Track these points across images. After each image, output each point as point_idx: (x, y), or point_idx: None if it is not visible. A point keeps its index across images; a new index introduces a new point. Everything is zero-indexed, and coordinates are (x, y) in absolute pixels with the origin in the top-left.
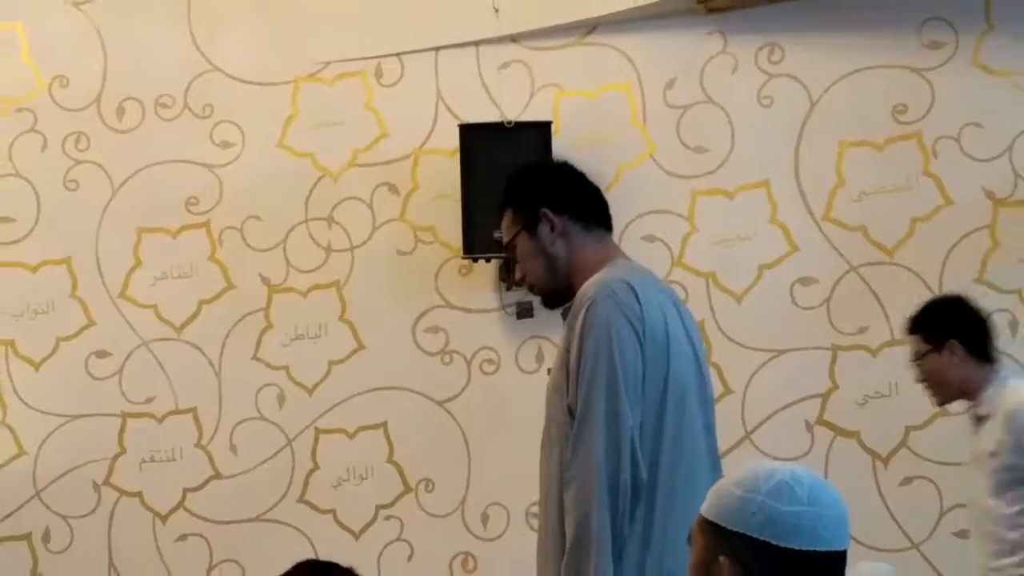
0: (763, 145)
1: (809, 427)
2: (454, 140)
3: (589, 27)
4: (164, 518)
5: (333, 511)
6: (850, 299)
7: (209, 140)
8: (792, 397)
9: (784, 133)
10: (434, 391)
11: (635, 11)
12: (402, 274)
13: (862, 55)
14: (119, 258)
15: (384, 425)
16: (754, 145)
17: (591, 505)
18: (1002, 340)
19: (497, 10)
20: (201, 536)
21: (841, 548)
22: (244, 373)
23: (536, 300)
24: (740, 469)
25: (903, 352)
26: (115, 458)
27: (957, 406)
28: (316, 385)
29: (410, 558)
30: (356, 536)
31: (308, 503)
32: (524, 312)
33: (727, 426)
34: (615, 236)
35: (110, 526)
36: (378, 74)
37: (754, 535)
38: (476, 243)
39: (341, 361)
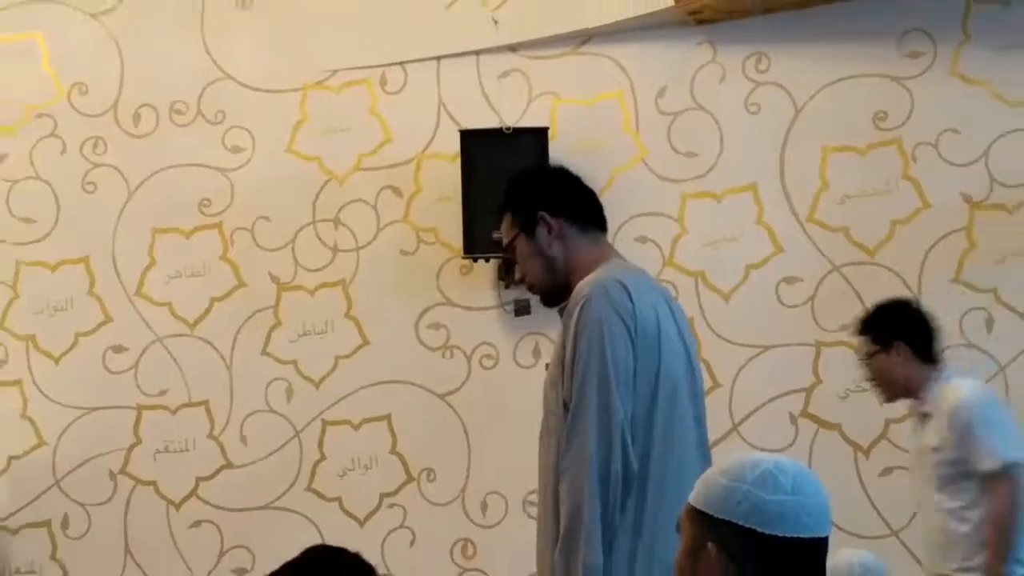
0: (750, 150)
1: (793, 420)
2: (455, 145)
3: (584, 37)
4: (178, 506)
5: (339, 499)
6: (833, 298)
7: (221, 145)
8: (777, 391)
9: (770, 139)
10: (435, 385)
11: (628, 22)
12: (405, 273)
13: (845, 64)
14: (135, 257)
15: (388, 417)
16: (741, 150)
17: (583, 495)
18: (978, 337)
19: (496, 21)
20: (213, 523)
21: (823, 535)
22: (254, 367)
23: (533, 298)
24: (727, 460)
25: None
26: (131, 448)
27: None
28: (323, 379)
29: (412, 544)
30: (361, 523)
31: (315, 491)
32: (522, 309)
33: (715, 419)
34: (609, 237)
35: (126, 513)
36: (383, 82)
37: (740, 523)
38: (476, 243)
39: (347, 356)
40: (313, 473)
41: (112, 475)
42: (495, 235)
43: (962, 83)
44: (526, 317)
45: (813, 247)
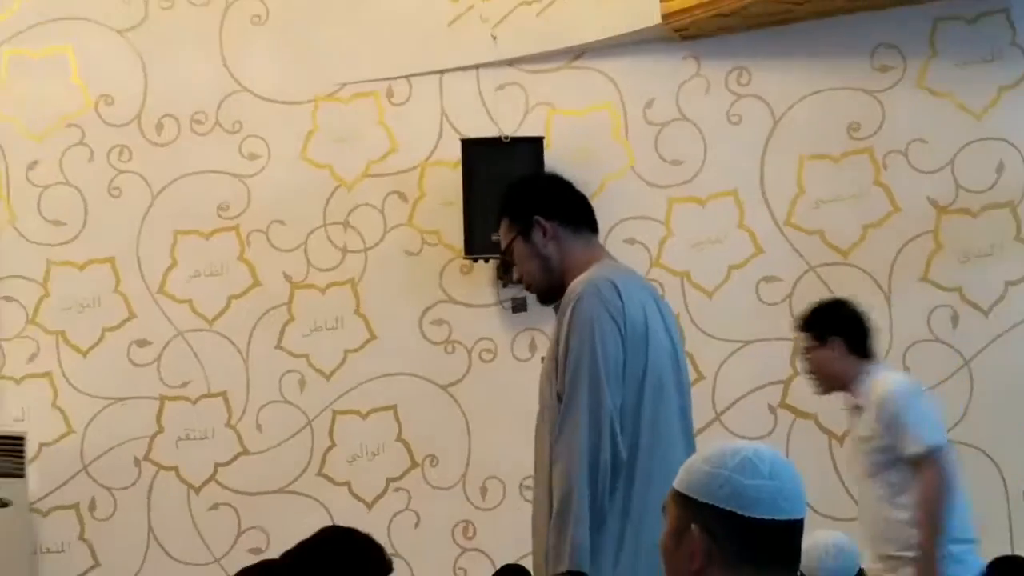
0: (732, 158)
1: (772, 410)
2: (456, 153)
3: (577, 53)
4: (198, 490)
5: (348, 484)
6: (809, 296)
7: (238, 153)
8: (757, 383)
9: (750, 147)
10: (438, 377)
11: (618, 39)
12: (410, 273)
13: (820, 78)
14: (158, 258)
15: (394, 407)
16: (724, 158)
17: (574, 481)
18: (944, 333)
19: (495, 38)
20: (230, 506)
21: (799, 517)
22: (269, 361)
23: (529, 296)
24: (709, 447)
25: None
26: (154, 436)
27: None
28: (333, 371)
29: (417, 525)
30: (369, 506)
31: (326, 477)
32: (519, 307)
33: (699, 409)
34: (600, 239)
35: (149, 497)
36: (389, 94)
37: (721, 506)
38: (476, 245)
39: (355, 350)
40: (324, 459)
41: (136, 461)
42: (494, 237)
43: (929, 95)
44: (523, 314)
45: (791, 248)
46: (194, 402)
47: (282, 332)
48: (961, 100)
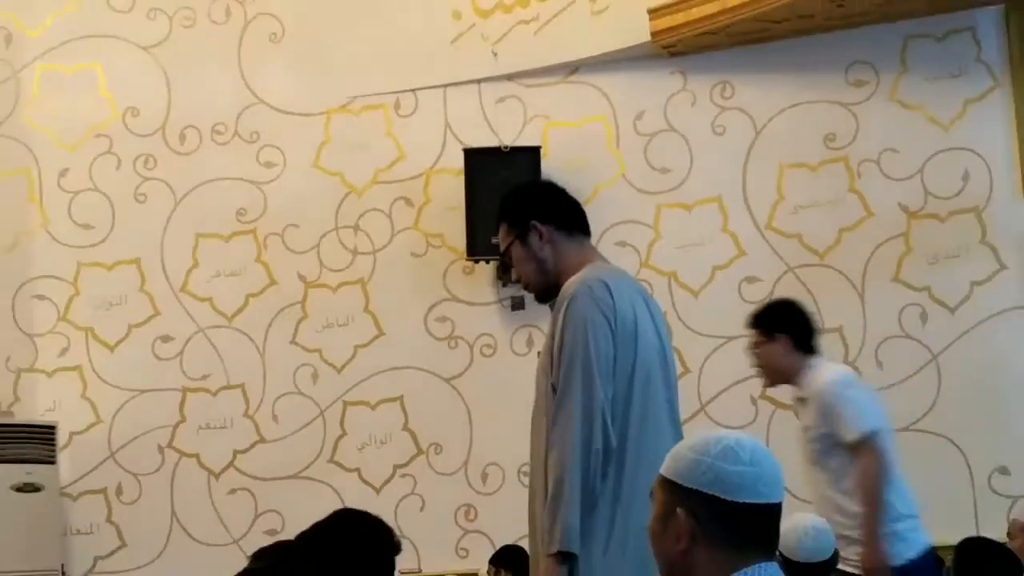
0: (716, 167)
1: (754, 401)
2: (459, 162)
3: (572, 68)
4: (217, 475)
5: (358, 470)
6: (788, 295)
7: (255, 161)
8: (739, 376)
9: (734, 157)
10: (442, 370)
11: (611, 55)
12: (416, 273)
13: (799, 92)
14: (180, 259)
15: (400, 399)
16: (709, 167)
17: (567, 467)
18: (914, 330)
19: (495, 54)
20: (248, 491)
21: (777, 501)
22: (284, 355)
23: (527, 295)
24: (694, 436)
25: (831, 339)
26: (176, 425)
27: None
28: (344, 365)
29: (422, 509)
30: (377, 491)
31: (337, 463)
32: (517, 305)
33: (685, 401)
34: (593, 242)
35: (172, 482)
36: (396, 107)
37: (705, 491)
38: (478, 247)
39: (365, 345)
40: (335, 447)
41: (160, 449)
42: (494, 240)
43: (901, 108)
44: (521, 312)
45: (771, 251)
46: (214, 394)
47: (296, 328)
48: (930, 113)
